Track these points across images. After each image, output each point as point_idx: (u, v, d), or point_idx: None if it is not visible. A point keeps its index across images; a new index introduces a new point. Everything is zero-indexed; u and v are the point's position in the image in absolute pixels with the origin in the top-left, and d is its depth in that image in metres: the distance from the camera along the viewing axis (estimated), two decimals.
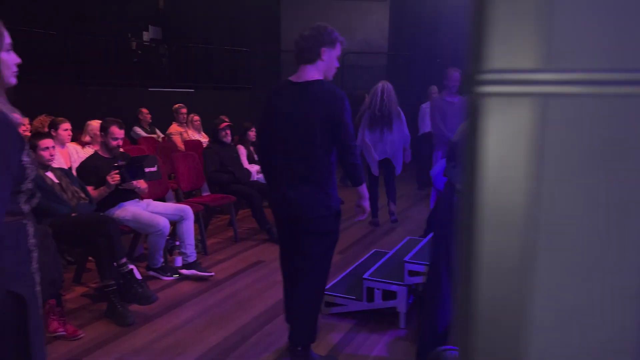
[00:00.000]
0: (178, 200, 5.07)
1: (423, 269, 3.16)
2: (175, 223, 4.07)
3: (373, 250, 4.25)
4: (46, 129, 4.47)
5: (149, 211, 3.94)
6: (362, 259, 4.00)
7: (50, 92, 7.20)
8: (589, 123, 0.42)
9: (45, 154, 3.39)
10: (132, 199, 3.93)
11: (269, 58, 11.69)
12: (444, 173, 2.54)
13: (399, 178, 8.14)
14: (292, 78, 2.59)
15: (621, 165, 0.42)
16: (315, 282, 2.68)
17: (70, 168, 4.15)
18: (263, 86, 11.39)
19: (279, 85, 2.66)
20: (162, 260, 4.01)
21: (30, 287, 1.58)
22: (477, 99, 0.48)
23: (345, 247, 4.86)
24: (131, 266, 3.37)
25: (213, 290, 3.81)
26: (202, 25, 11.04)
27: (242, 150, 5.77)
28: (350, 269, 3.79)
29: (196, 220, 4.33)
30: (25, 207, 1.58)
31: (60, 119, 4.47)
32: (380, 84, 5.48)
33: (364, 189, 2.68)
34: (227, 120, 5.54)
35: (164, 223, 3.81)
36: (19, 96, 1.58)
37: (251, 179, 5.50)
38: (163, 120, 7.70)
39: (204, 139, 7.09)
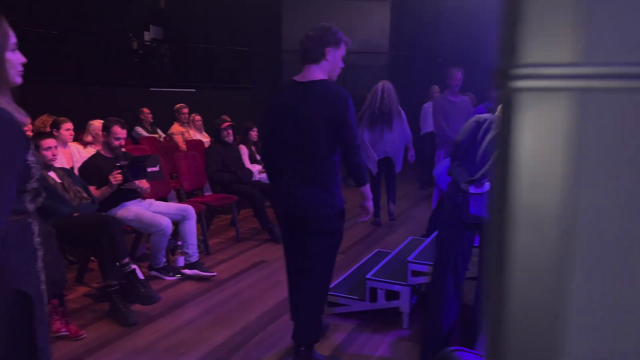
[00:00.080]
0: (180, 200, 5.06)
1: (426, 269, 3.15)
2: (177, 223, 4.06)
3: (375, 250, 4.24)
4: (48, 129, 4.46)
5: (151, 211, 3.93)
6: (365, 259, 3.99)
7: (51, 91, 7.19)
8: (628, 119, 0.40)
9: (48, 153, 3.37)
10: (135, 199, 3.92)
11: (270, 58, 11.68)
12: (448, 172, 2.53)
13: (401, 178, 8.14)
14: (297, 78, 2.59)
15: None
16: (318, 281, 2.68)
17: (72, 168, 4.14)
18: (264, 86, 11.39)
19: (283, 85, 2.67)
20: (164, 260, 4.00)
21: (36, 285, 1.58)
22: (510, 94, 0.46)
23: (347, 247, 4.85)
24: (134, 266, 3.36)
25: (215, 290, 3.80)
26: (203, 25, 11.04)
27: (243, 150, 5.75)
28: (352, 269, 3.78)
29: (198, 220, 4.32)
30: (30, 206, 1.59)
31: (62, 118, 4.46)
32: (380, 84, 5.47)
33: (367, 189, 2.67)
34: (228, 120, 5.53)
35: (167, 223, 3.80)
36: (20, 96, 1.58)
37: (253, 179, 5.48)
38: (164, 120, 7.69)
39: (205, 138, 7.08)
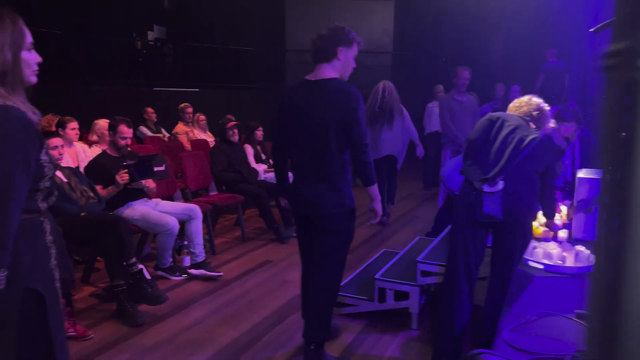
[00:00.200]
0: (186, 200, 5.04)
1: (436, 269, 3.13)
2: (183, 222, 4.03)
3: (382, 250, 4.21)
4: (53, 128, 4.44)
5: (157, 211, 3.91)
6: (372, 259, 3.97)
7: (55, 91, 7.18)
8: None
9: (54, 153, 3.35)
10: (141, 198, 3.90)
11: (274, 58, 11.66)
12: (461, 171, 2.50)
13: (405, 178, 8.13)
14: (308, 77, 2.59)
15: None
16: (328, 279, 2.67)
17: (77, 167, 4.12)
18: (268, 86, 11.37)
19: (294, 84, 2.66)
20: (170, 260, 3.98)
21: (50, 283, 1.58)
22: (634, 74, 0.42)
23: (354, 246, 4.78)
24: (140, 266, 3.34)
25: (222, 290, 3.78)
26: (206, 24, 11.03)
27: (249, 150, 5.73)
28: (360, 269, 3.76)
29: (204, 220, 4.30)
30: (42, 205, 1.59)
31: (67, 118, 4.44)
32: (381, 83, 5.45)
33: (375, 189, 2.64)
34: (234, 119, 5.51)
35: (173, 222, 3.77)
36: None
37: (258, 179, 5.46)
38: (168, 119, 7.68)
39: (209, 138, 7.07)
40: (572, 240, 2.99)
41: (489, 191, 2.33)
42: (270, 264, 4.39)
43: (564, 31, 8.77)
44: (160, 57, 10.43)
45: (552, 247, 2.59)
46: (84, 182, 3.56)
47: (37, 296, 1.53)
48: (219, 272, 4.03)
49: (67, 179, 3.45)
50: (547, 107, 2.59)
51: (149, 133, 7.05)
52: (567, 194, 3.34)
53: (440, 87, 7.87)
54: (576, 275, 2.40)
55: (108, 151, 3.91)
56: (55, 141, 3.42)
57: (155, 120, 7.35)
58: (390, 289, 3.18)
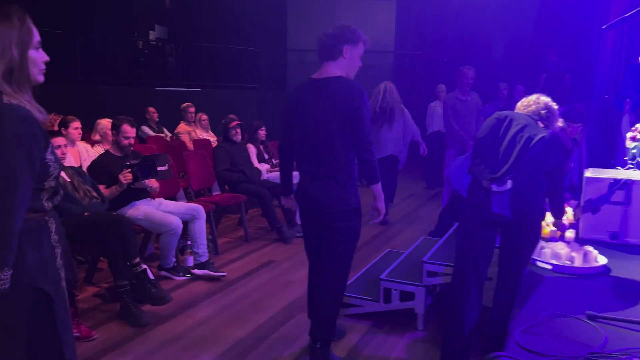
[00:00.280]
0: (189, 200, 5.02)
1: (442, 269, 3.10)
2: (186, 222, 4.01)
3: (386, 250, 4.19)
4: (56, 128, 4.43)
5: (161, 210, 3.88)
6: (376, 259, 3.94)
7: (56, 91, 7.16)
8: None
9: (57, 152, 3.31)
10: (144, 198, 3.88)
11: (275, 57, 11.64)
12: (469, 170, 2.48)
13: (407, 177, 8.11)
14: (314, 75, 2.61)
15: None
16: (334, 277, 2.66)
17: (80, 167, 4.10)
18: (269, 85, 11.35)
19: (301, 83, 2.66)
20: (174, 260, 3.95)
21: (57, 283, 1.58)
22: None
23: (357, 246, 4.78)
24: (144, 266, 3.32)
25: (226, 290, 3.76)
26: (208, 24, 11.00)
27: (252, 149, 5.71)
28: (364, 269, 3.73)
29: (207, 220, 4.28)
30: (48, 205, 1.58)
31: (70, 117, 4.43)
32: (382, 84, 5.44)
33: (378, 188, 2.62)
34: (236, 119, 5.49)
35: (177, 222, 3.75)
36: None
37: (261, 178, 5.44)
38: (170, 119, 7.66)
39: (212, 137, 7.05)
40: (579, 240, 2.97)
41: (497, 190, 2.31)
42: (274, 264, 4.37)
43: (567, 30, 8.75)
44: (162, 56, 10.41)
45: (560, 247, 2.57)
46: (87, 181, 3.54)
47: (44, 296, 1.52)
48: (223, 272, 4.01)
49: (70, 179, 3.43)
50: (555, 106, 2.57)
51: (151, 133, 7.04)
52: (574, 194, 3.32)
53: (443, 87, 7.84)
54: (585, 275, 2.38)
55: (111, 151, 3.89)
56: (58, 140, 3.40)
57: (157, 119, 7.33)
58: (395, 290, 3.15)
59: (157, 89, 9.32)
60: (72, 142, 4.39)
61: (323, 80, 2.54)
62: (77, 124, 4.41)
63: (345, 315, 3.24)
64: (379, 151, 5.38)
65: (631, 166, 3.61)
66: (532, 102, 2.56)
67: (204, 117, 7.19)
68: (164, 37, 10.72)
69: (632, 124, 4.30)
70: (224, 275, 3.98)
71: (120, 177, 3.61)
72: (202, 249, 4.02)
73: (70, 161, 4.00)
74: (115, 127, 3.81)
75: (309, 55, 11.29)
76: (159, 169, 3.80)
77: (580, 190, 3.33)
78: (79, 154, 4.49)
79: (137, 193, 3.83)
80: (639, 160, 3.61)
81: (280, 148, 2.85)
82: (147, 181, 3.79)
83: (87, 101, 7.61)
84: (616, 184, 2.92)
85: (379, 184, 2.61)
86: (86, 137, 5.23)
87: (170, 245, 3.84)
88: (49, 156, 1.54)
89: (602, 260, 2.50)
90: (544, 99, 2.57)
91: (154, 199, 4.00)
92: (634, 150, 3.68)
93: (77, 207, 3.33)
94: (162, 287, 3.44)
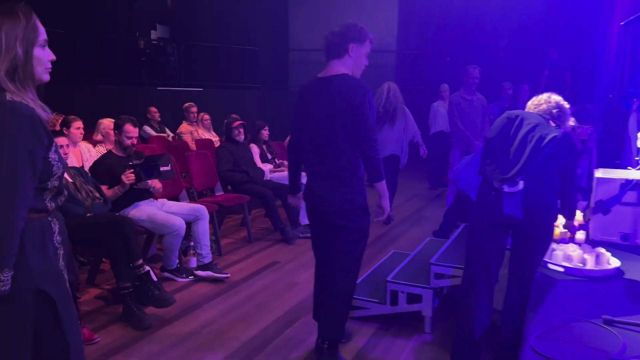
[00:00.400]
0: (191, 200, 4.97)
1: (450, 271, 3.06)
2: (189, 223, 3.97)
3: (392, 251, 4.14)
4: (58, 127, 4.38)
5: (163, 211, 3.84)
6: (382, 261, 3.89)
7: (57, 90, 7.12)
8: None
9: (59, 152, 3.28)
10: (147, 199, 3.84)
11: (277, 57, 11.60)
12: (479, 171, 2.43)
13: (411, 178, 8.05)
14: (320, 74, 2.60)
15: None
16: (342, 277, 2.64)
17: (82, 167, 4.06)
18: (271, 85, 11.30)
19: (308, 82, 2.64)
20: (177, 261, 3.91)
21: (61, 284, 1.55)
22: None
23: None
24: (147, 268, 3.27)
25: (230, 292, 3.71)
26: (210, 24, 10.96)
27: (255, 149, 5.67)
28: (369, 270, 3.68)
29: (210, 221, 4.23)
30: (51, 205, 1.54)
31: (72, 117, 4.38)
32: (386, 84, 5.40)
33: (383, 186, 2.59)
34: (239, 118, 5.44)
35: (180, 223, 3.71)
36: None
37: (264, 178, 5.39)
38: (171, 119, 7.62)
39: (214, 137, 7.01)
40: (589, 242, 2.92)
41: (508, 191, 2.26)
42: (278, 265, 4.33)
43: (571, 28, 8.70)
44: (163, 56, 10.37)
45: (572, 249, 2.52)
46: (90, 182, 3.49)
47: (47, 298, 1.49)
48: (226, 274, 3.96)
49: (72, 179, 3.39)
50: (567, 105, 2.52)
51: (153, 133, 6.99)
52: (584, 195, 3.27)
53: (446, 87, 7.79)
54: (598, 278, 2.33)
55: (113, 151, 3.84)
56: (60, 140, 3.35)
57: (159, 119, 7.29)
58: (402, 292, 3.11)
59: (158, 88, 9.28)
60: (74, 142, 4.35)
61: (328, 79, 2.54)
62: (78, 123, 4.36)
63: (351, 317, 3.18)
64: (381, 151, 5.34)
65: None
66: (543, 101, 2.51)
67: (206, 117, 7.15)
68: (166, 37, 10.68)
69: None
70: (227, 277, 3.94)
71: (123, 177, 3.57)
72: (206, 250, 3.97)
73: (72, 161, 3.96)
74: (118, 127, 3.77)
75: (311, 54, 11.26)
76: (161, 169, 3.76)
77: (590, 191, 3.28)
78: (81, 154, 4.45)
79: (140, 194, 3.78)
80: None
81: (289, 147, 2.83)
82: (150, 182, 3.75)
83: (88, 101, 7.57)
84: (628, 184, 2.87)
85: (384, 182, 2.58)
86: (88, 137, 5.19)
87: (173, 246, 3.80)
88: (53, 155, 1.51)
89: (614, 262, 2.45)
90: (555, 97, 2.52)
91: (156, 199, 3.96)
92: None
93: (79, 208, 3.28)
94: (165, 289, 3.40)
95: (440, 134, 7.69)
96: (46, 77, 1.52)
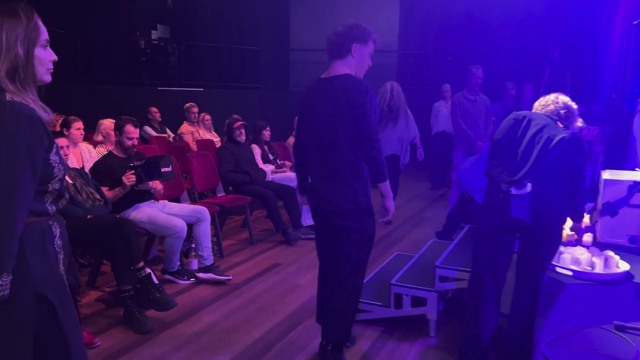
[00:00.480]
0: (193, 201, 4.94)
1: (455, 274, 3.02)
2: (191, 225, 3.93)
3: (395, 253, 4.10)
4: (58, 128, 4.34)
5: (165, 213, 3.80)
6: (385, 263, 3.86)
7: (58, 90, 7.08)
8: None
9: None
10: (148, 200, 3.80)
11: (278, 57, 11.56)
12: (485, 173, 2.39)
13: (412, 178, 8.01)
14: (323, 75, 2.59)
15: None
16: (347, 278, 2.61)
17: (82, 168, 4.02)
18: (272, 85, 11.27)
19: (312, 83, 2.63)
20: (178, 263, 3.87)
21: (61, 288, 1.52)
22: None
23: None
24: (148, 270, 3.23)
25: (232, 294, 3.67)
26: (210, 23, 10.93)
27: (256, 150, 5.63)
28: (373, 273, 3.64)
29: (212, 222, 4.19)
30: (52, 208, 1.51)
31: (72, 117, 4.34)
32: (388, 84, 5.36)
33: (387, 187, 2.56)
34: (240, 119, 5.40)
35: (182, 225, 3.67)
36: None
37: (266, 179, 5.36)
38: (172, 119, 7.58)
39: (215, 138, 6.97)
40: (597, 244, 2.88)
41: (516, 194, 2.22)
42: (280, 267, 4.29)
43: (572, 28, 8.65)
44: (164, 56, 10.33)
45: (580, 253, 2.48)
46: (90, 183, 3.45)
47: (48, 303, 1.46)
48: (228, 276, 3.92)
49: (72, 181, 3.35)
50: (574, 105, 2.48)
51: (154, 133, 6.96)
52: (590, 197, 3.23)
53: (447, 87, 7.75)
54: (607, 282, 2.29)
55: (114, 152, 3.80)
56: (60, 141, 3.32)
57: (160, 120, 7.25)
58: (407, 295, 3.07)
59: (159, 88, 9.25)
60: (74, 143, 4.31)
61: (330, 79, 2.52)
62: (79, 124, 4.33)
63: (355, 320, 3.14)
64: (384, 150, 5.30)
65: None
66: (551, 101, 2.47)
67: (207, 117, 7.11)
68: (167, 37, 10.64)
69: None
70: (229, 279, 3.90)
71: (124, 178, 3.53)
72: (207, 252, 3.94)
73: (72, 162, 3.92)
74: (118, 128, 3.73)
75: (312, 54, 11.23)
76: (162, 170, 3.72)
77: (595, 192, 3.24)
78: (81, 155, 4.41)
79: (141, 195, 3.75)
80: None
81: (295, 148, 2.82)
82: (151, 183, 3.71)
83: (89, 101, 7.53)
84: (636, 186, 2.83)
85: (387, 182, 2.55)
86: (88, 137, 5.16)
87: (174, 248, 3.76)
88: (54, 157, 1.48)
89: (623, 266, 2.41)
90: (563, 98, 2.48)
91: (157, 201, 3.92)
92: None
93: (79, 210, 3.24)
94: (167, 291, 3.36)
95: (442, 134, 7.65)
96: (48, 78, 1.49)
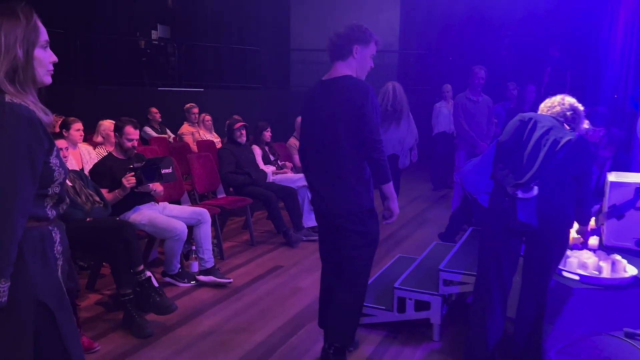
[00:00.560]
0: (193, 203, 4.90)
1: (459, 277, 2.98)
2: (191, 227, 3.89)
3: (397, 256, 4.06)
4: (57, 129, 4.30)
5: (165, 215, 3.76)
6: (387, 265, 3.82)
7: (58, 91, 7.04)
8: None
9: None
10: (148, 202, 3.76)
11: (278, 57, 11.52)
12: (491, 175, 2.35)
13: (413, 179, 7.98)
14: (325, 76, 2.57)
15: None
16: (351, 281, 2.58)
17: (82, 170, 3.98)
18: (272, 85, 11.23)
19: (313, 85, 2.60)
20: (179, 266, 3.83)
21: (59, 295, 1.49)
22: None
23: None
24: (149, 273, 3.20)
25: (233, 297, 3.63)
26: (211, 24, 10.89)
27: (257, 151, 5.59)
28: (375, 275, 3.60)
29: (212, 224, 4.15)
30: (52, 213, 1.47)
31: (72, 118, 4.30)
32: (390, 84, 5.32)
33: (390, 188, 2.52)
34: (241, 119, 5.37)
35: (182, 227, 3.63)
36: None
37: (267, 180, 5.32)
38: (172, 120, 7.54)
39: (215, 138, 6.93)
40: (603, 248, 2.85)
41: (523, 197, 2.18)
42: (281, 270, 4.25)
43: (574, 28, 8.62)
44: (164, 56, 10.29)
45: (587, 257, 2.44)
46: (89, 185, 3.41)
47: (46, 309, 1.44)
48: (229, 279, 3.89)
49: (71, 183, 3.31)
50: (581, 107, 2.44)
51: (154, 134, 6.92)
52: (596, 199, 3.19)
53: (448, 87, 7.71)
54: (615, 287, 2.25)
55: (114, 153, 3.76)
56: (60, 143, 3.28)
57: (160, 120, 7.21)
58: (410, 299, 3.03)
59: (159, 89, 9.21)
60: (74, 144, 4.27)
61: (330, 81, 2.50)
62: (78, 125, 4.29)
63: (359, 324, 3.11)
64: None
65: None
66: (557, 103, 2.43)
67: (208, 117, 7.07)
68: (167, 37, 10.59)
69: None
70: (230, 282, 3.86)
71: (124, 180, 3.49)
72: (208, 254, 3.90)
73: (71, 164, 3.89)
74: (118, 129, 3.69)
75: (312, 54, 11.20)
76: (163, 171, 3.68)
77: (600, 194, 3.21)
78: (81, 156, 4.37)
79: (141, 197, 3.71)
80: None
81: (299, 151, 2.79)
82: (151, 185, 3.68)
83: (88, 102, 7.49)
84: None
85: (390, 184, 2.51)
86: (88, 138, 5.12)
87: (174, 250, 3.72)
88: (54, 160, 1.45)
89: (631, 270, 2.38)
90: (569, 99, 2.45)
91: (158, 203, 3.88)
92: None
93: (79, 212, 3.19)
94: (167, 294, 3.32)
95: (443, 134, 7.62)
96: (48, 80, 1.46)
